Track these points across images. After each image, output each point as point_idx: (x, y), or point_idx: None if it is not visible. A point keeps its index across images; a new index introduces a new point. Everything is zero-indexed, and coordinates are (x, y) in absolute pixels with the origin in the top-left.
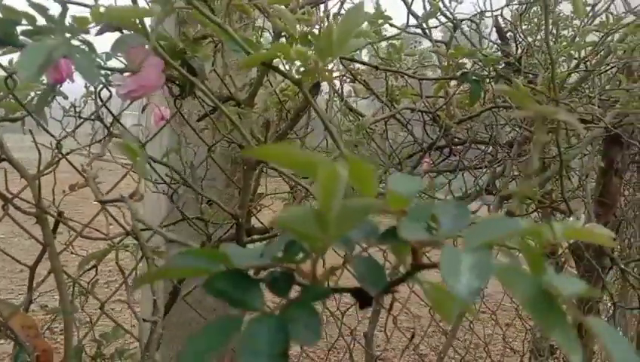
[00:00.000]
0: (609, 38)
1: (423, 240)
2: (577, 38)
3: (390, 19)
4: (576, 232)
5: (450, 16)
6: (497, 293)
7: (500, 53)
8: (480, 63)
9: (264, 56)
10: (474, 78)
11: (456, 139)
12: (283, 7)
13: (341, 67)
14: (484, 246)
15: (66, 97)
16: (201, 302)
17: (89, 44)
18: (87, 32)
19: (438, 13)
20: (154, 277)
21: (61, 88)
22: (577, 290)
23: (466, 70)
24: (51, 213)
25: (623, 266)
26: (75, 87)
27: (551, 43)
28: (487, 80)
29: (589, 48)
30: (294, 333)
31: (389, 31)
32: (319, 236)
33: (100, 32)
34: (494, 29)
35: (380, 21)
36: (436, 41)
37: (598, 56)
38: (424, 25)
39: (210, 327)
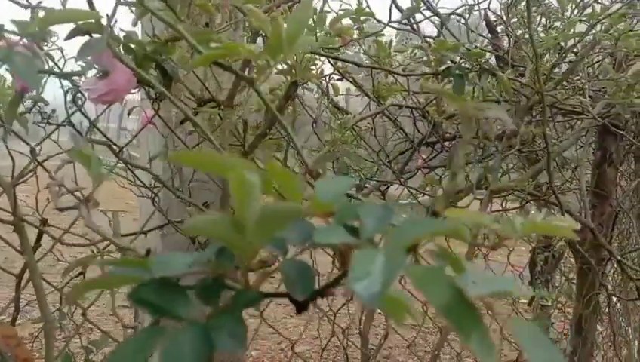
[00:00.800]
0: (596, 29)
1: (342, 243)
2: (564, 30)
3: (372, 15)
4: (536, 226)
5: (435, 11)
6: None
7: (490, 46)
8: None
9: (214, 55)
10: (457, 72)
11: (448, 134)
12: (253, 6)
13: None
14: (400, 247)
15: (46, 103)
16: None
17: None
18: (35, 36)
19: (424, 8)
20: (86, 288)
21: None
22: (499, 289)
23: (449, 65)
24: (28, 222)
25: (619, 258)
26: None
27: (542, 35)
28: (477, 74)
29: (577, 39)
30: (219, 342)
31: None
32: (238, 242)
33: (68, 37)
34: (484, 22)
35: (363, 18)
36: (426, 37)
37: (585, 46)
38: (412, 20)
39: (137, 335)
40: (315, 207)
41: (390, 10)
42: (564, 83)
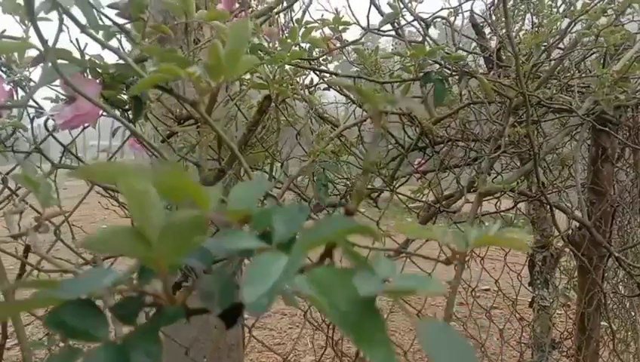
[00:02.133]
0: (578, 26)
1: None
2: (546, 27)
3: (349, 24)
4: (488, 239)
5: (415, 16)
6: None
7: (478, 48)
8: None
9: (154, 80)
10: (437, 77)
11: (438, 139)
12: (219, 23)
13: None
14: (300, 249)
15: (25, 129)
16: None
17: None
18: None
19: (406, 14)
20: (7, 311)
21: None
22: (415, 287)
23: (428, 70)
24: (5, 251)
25: (617, 254)
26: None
27: (530, 33)
28: (457, 78)
29: (558, 37)
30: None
31: (361, 35)
32: (147, 256)
33: (33, 64)
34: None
35: (341, 27)
36: (411, 42)
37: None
38: (396, 25)
39: (51, 358)
40: (229, 214)
41: (368, 17)
42: (553, 81)
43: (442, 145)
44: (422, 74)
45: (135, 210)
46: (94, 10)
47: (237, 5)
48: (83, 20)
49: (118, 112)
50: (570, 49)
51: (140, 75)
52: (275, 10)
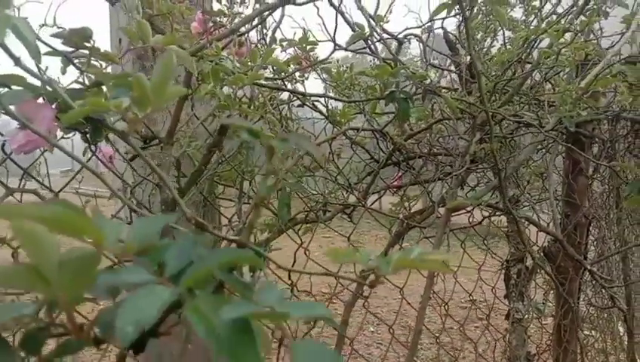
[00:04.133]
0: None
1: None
2: (511, 45)
3: (316, 44)
4: (408, 262)
5: (380, 38)
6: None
7: (452, 64)
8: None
9: (81, 113)
10: (401, 96)
11: (412, 154)
12: (177, 47)
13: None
14: (184, 283)
15: None
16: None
17: None
18: None
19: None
20: None
21: None
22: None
23: (392, 89)
24: None
25: (589, 267)
26: None
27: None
28: (425, 96)
29: (522, 55)
30: None
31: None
32: (46, 291)
33: None
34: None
35: (309, 47)
36: (385, 59)
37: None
38: (370, 42)
39: None
40: (127, 249)
41: (334, 36)
42: (524, 97)
43: (414, 160)
44: (386, 93)
45: (29, 250)
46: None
47: (210, 25)
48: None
49: (78, 134)
50: (534, 67)
51: (70, 105)
52: (244, 29)
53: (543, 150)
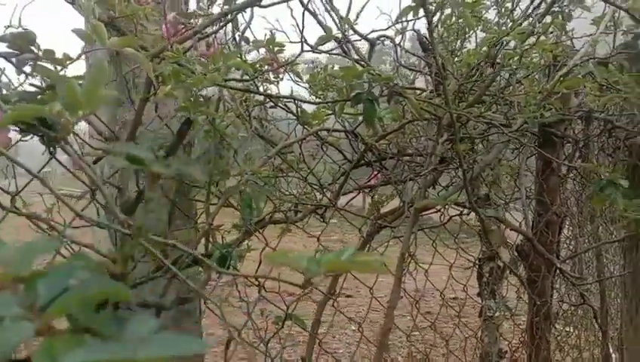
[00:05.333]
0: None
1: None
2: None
3: (283, 46)
4: (340, 264)
5: (347, 39)
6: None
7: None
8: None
9: (17, 116)
10: (367, 98)
11: (385, 154)
12: (132, 49)
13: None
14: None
15: None
16: None
17: None
18: None
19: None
20: None
21: None
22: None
23: (359, 91)
24: None
25: (559, 265)
26: None
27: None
28: (391, 98)
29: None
30: None
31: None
32: None
33: None
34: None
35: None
36: (357, 61)
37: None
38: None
39: None
40: (2, 277)
41: (301, 38)
42: (493, 97)
43: (386, 160)
44: (353, 95)
45: None
46: None
47: (182, 26)
48: None
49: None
50: (500, 69)
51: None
52: (211, 30)
53: (516, 150)
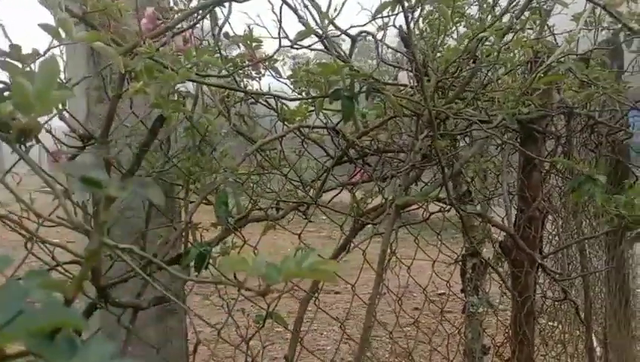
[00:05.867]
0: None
1: None
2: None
3: (261, 42)
4: (298, 272)
5: (322, 34)
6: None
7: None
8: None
9: None
10: (345, 95)
11: (367, 150)
12: (102, 44)
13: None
14: None
15: None
16: None
17: None
18: None
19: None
20: None
21: None
22: None
23: (337, 87)
24: None
25: (540, 261)
26: None
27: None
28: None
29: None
30: None
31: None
32: None
33: None
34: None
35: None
36: (339, 57)
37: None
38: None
39: None
40: None
41: (279, 34)
42: (474, 94)
43: (368, 156)
44: (331, 91)
45: None
46: None
47: (160, 21)
48: None
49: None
50: (479, 66)
51: None
52: (186, 25)
53: (500, 147)
